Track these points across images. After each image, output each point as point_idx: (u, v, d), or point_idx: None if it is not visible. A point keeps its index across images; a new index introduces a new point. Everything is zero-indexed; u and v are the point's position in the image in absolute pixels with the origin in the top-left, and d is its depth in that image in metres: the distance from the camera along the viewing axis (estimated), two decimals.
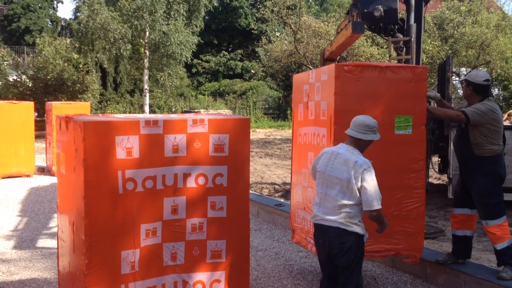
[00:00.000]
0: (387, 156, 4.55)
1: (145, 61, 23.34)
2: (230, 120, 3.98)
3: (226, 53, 39.81)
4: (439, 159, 8.67)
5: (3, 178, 11.58)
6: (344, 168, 3.57)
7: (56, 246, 4.38)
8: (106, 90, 30.19)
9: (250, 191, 6.85)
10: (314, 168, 3.88)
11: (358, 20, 6.47)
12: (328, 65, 4.79)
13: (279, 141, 21.07)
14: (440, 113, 5.29)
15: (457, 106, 5.18)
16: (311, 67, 19.48)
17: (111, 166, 3.48)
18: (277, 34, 29.09)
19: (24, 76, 23.02)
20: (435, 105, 5.29)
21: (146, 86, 23.97)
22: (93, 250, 3.44)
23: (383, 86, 4.55)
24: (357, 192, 3.53)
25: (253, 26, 33.63)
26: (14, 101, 13.36)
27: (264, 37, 26.64)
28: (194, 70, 37.82)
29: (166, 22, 22.55)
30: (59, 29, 41.96)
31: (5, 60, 24.68)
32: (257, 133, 24.68)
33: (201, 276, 3.89)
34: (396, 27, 6.62)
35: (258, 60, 36.70)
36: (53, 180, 11.17)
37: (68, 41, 26.80)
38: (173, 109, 31.24)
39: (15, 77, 23.10)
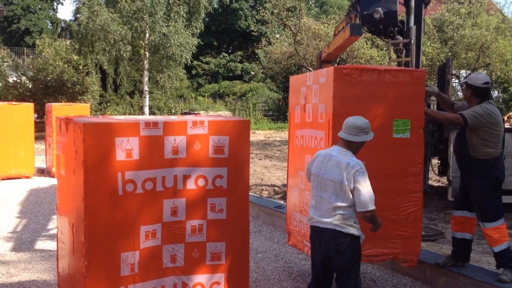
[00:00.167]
0: (385, 160, 4.55)
1: (145, 62, 23.36)
2: (230, 121, 3.98)
3: (226, 54, 39.85)
4: (439, 161, 8.68)
5: (2, 179, 11.57)
6: (336, 170, 3.58)
7: (55, 248, 4.38)
8: (106, 91, 30.19)
9: (250, 193, 6.86)
10: (309, 170, 3.90)
11: (357, 22, 6.48)
12: (326, 68, 4.79)
13: (278, 143, 21.07)
14: (439, 116, 5.30)
15: (460, 103, 5.16)
16: (311, 69, 19.49)
17: (111, 167, 3.48)
18: (277, 36, 29.10)
19: (24, 78, 23.00)
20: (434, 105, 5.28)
21: (146, 88, 23.98)
22: (93, 251, 3.44)
23: (382, 90, 4.54)
24: (350, 194, 3.53)
25: (253, 28, 33.66)
26: (14, 103, 13.35)
27: (264, 39, 26.65)
28: (194, 71, 37.86)
29: (166, 24, 22.58)
30: (59, 30, 41.93)
31: (5, 62, 24.65)
32: (257, 135, 24.68)
33: (201, 278, 3.89)
34: (396, 29, 6.64)
35: (258, 62, 36.75)
36: (53, 181, 11.16)
37: (68, 43, 26.80)
38: (173, 111, 31.25)
39: (15, 79, 23.07)
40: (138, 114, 27.93)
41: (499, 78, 19.71)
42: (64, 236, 4.01)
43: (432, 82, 16.05)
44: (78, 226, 3.55)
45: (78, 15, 26.24)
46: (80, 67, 25.45)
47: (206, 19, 36.10)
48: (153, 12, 21.82)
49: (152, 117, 3.97)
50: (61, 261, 4.16)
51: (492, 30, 17.64)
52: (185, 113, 28.03)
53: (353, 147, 3.68)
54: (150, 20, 21.88)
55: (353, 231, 3.59)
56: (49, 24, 43.14)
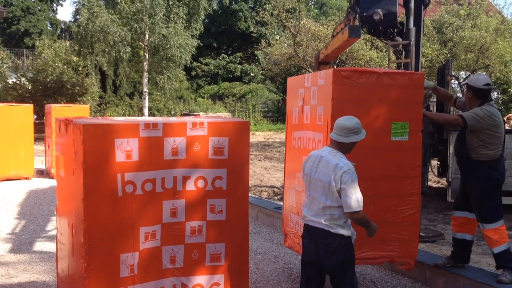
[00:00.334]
0: (383, 163, 4.54)
1: (145, 64, 23.38)
2: (230, 123, 3.98)
3: (226, 56, 39.87)
4: (438, 163, 8.68)
5: (2, 180, 11.56)
6: (325, 171, 3.59)
7: (55, 249, 4.38)
8: (106, 92, 30.21)
9: (249, 194, 6.85)
10: (303, 170, 3.91)
11: (355, 24, 6.49)
12: (325, 70, 4.79)
13: (278, 144, 21.06)
14: (438, 118, 5.29)
15: (463, 98, 5.15)
16: (310, 70, 19.50)
17: (110, 169, 3.48)
18: (277, 37, 29.11)
19: (23, 79, 23.00)
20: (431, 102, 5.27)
21: (145, 89, 24.00)
22: (92, 253, 3.44)
23: (380, 92, 4.53)
24: (338, 195, 3.54)
25: (252, 29, 33.70)
26: (14, 104, 13.33)
27: (264, 40, 26.65)
28: (193, 73, 37.88)
29: (165, 25, 22.60)
30: (58, 31, 41.96)
31: (4, 63, 24.67)
32: (256, 136, 24.66)
33: (200, 279, 3.89)
34: (395, 30, 6.64)
35: (257, 63, 36.75)
36: (52, 182, 11.16)
37: (67, 44, 26.77)
38: (173, 112, 31.26)
39: (14, 80, 23.08)
40: (138, 116, 27.94)
41: (499, 79, 19.72)
42: (63, 237, 4.01)
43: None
44: (77, 227, 3.55)
45: (78, 16, 26.29)
46: (80, 68, 25.47)
47: (206, 20, 36.10)
48: (153, 14, 21.84)
49: (152, 118, 3.97)
50: (61, 262, 4.16)
51: (492, 31, 17.64)
52: (185, 115, 28.05)
53: (344, 147, 3.68)
54: (150, 21, 21.90)
55: (343, 231, 3.58)
56: (49, 25, 43.18)
